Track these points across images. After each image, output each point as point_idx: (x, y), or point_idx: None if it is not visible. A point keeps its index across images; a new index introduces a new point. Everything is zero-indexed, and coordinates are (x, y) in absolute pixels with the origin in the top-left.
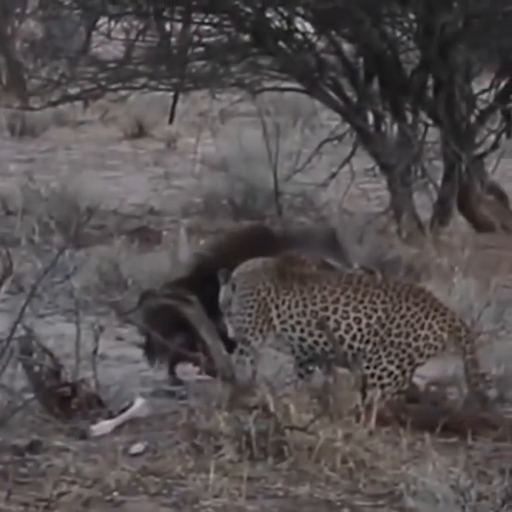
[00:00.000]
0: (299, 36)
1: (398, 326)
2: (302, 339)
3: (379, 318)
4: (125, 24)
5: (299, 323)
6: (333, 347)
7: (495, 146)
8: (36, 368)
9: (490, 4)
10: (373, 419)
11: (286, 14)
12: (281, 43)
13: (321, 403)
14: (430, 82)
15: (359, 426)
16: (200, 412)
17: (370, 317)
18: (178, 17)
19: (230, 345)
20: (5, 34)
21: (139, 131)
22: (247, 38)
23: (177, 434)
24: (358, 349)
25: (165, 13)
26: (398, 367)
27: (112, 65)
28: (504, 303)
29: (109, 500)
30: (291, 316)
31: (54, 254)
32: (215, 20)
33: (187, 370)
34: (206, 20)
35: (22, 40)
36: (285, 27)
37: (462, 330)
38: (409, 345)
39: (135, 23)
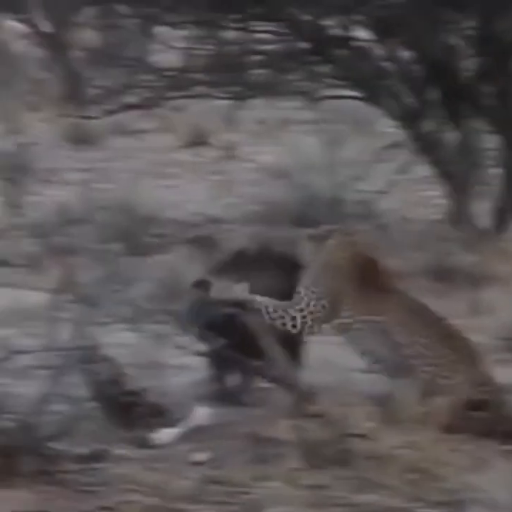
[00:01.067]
0: (358, 44)
1: None
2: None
3: None
4: (183, 32)
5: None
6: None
7: None
8: (98, 377)
9: None
10: (437, 427)
11: (344, 22)
12: (339, 51)
13: (384, 411)
14: (489, 89)
15: (422, 433)
16: (263, 420)
17: None
18: (236, 25)
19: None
20: (63, 43)
21: (198, 140)
22: (305, 45)
23: (240, 443)
24: None
25: (223, 22)
26: None
27: (170, 74)
28: None
29: (172, 509)
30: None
31: (114, 263)
32: (273, 28)
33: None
34: (264, 28)
35: (80, 49)
36: (343, 34)
37: None
38: None
39: (193, 31)
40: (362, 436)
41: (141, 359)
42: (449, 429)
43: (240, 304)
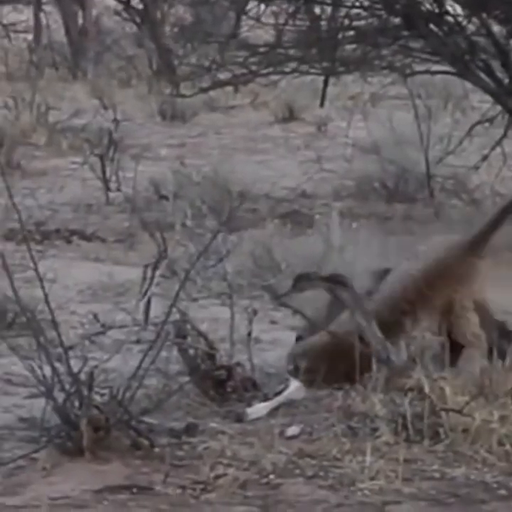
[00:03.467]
0: (450, 19)
1: None
2: None
3: None
4: (275, 8)
5: None
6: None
7: None
8: (191, 352)
9: None
10: None
11: None
12: (432, 26)
13: (477, 385)
14: None
15: None
16: (355, 395)
17: None
18: (328, 0)
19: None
20: (155, 20)
21: (290, 115)
22: (397, 20)
23: (333, 417)
24: None
25: None
26: None
27: (262, 50)
28: None
29: (265, 483)
30: None
31: (207, 239)
32: (366, 3)
33: None
34: (356, 3)
35: (172, 26)
36: (436, 9)
37: None
38: None
39: (285, 6)
40: (455, 410)
41: (234, 334)
42: None
43: (334, 279)
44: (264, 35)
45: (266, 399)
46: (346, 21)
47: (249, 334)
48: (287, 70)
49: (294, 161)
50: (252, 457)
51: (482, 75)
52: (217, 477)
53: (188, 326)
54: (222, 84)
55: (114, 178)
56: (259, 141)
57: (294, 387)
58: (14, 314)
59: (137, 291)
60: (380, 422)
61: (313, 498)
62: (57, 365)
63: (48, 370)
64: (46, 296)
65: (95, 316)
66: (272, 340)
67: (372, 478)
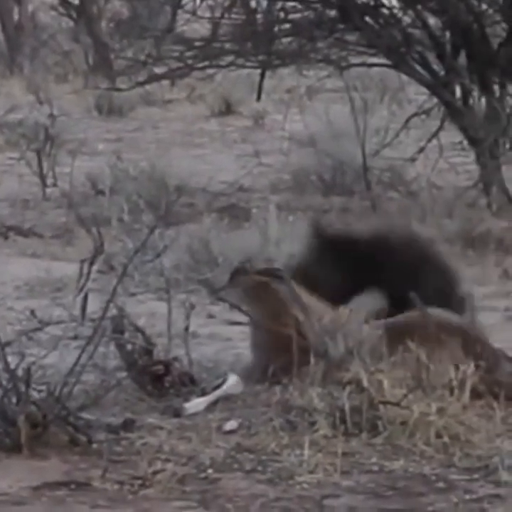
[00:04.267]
0: (386, 11)
1: None
2: None
3: None
4: (210, 1)
5: None
6: None
7: None
8: (129, 347)
9: None
10: (467, 393)
11: None
12: (367, 19)
13: (415, 378)
14: None
15: (453, 400)
16: (293, 389)
17: None
18: None
19: None
20: (91, 15)
21: (227, 109)
22: (333, 13)
23: (271, 411)
24: None
25: None
26: None
27: (198, 44)
28: None
29: (203, 478)
30: None
31: (144, 233)
32: None
33: None
34: None
35: (108, 21)
36: (371, 2)
37: None
38: None
39: (220, 0)
40: (393, 403)
41: (171, 328)
42: (480, 394)
43: (271, 273)
44: (201, 29)
45: (204, 393)
46: (282, 14)
47: (186, 329)
48: (223, 63)
49: (231, 155)
50: (190, 452)
51: (418, 67)
52: (156, 472)
53: (126, 322)
54: (158, 78)
55: (50, 173)
56: (196, 135)
57: (232, 381)
58: None
59: (74, 286)
60: (318, 416)
61: (251, 492)
62: None
63: None
64: None
65: (32, 312)
66: (210, 335)
67: (310, 472)
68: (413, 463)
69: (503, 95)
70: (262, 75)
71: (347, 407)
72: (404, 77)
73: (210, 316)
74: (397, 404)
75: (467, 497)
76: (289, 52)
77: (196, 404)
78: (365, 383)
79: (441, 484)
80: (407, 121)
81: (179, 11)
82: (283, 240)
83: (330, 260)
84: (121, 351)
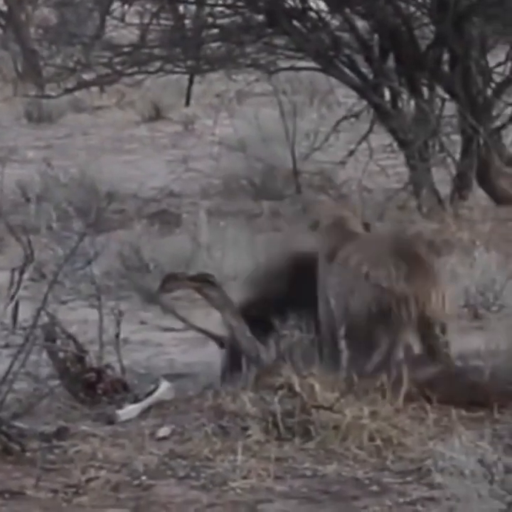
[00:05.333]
0: (313, 15)
1: None
2: None
3: None
4: (139, 8)
5: None
6: None
7: None
8: (61, 355)
9: None
10: (400, 396)
11: None
12: (295, 23)
13: (346, 381)
14: (446, 56)
15: (385, 403)
16: (225, 394)
17: None
18: None
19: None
20: (19, 21)
21: (156, 115)
22: (261, 18)
23: (203, 417)
24: None
25: None
26: None
27: (126, 50)
28: None
29: (137, 485)
30: None
31: (74, 240)
32: (229, 1)
33: (211, 352)
34: (220, 2)
35: (36, 27)
36: (299, 6)
37: None
38: None
39: (148, 6)
40: (326, 407)
41: (103, 335)
42: (412, 397)
43: (202, 279)
44: (129, 35)
45: (136, 400)
46: (210, 20)
47: (117, 336)
48: (152, 69)
49: (161, 160)
50: (123, 459)
51: (347, 71)
52: (89, 480)
53: (57, 329)
54: (87, 84)
55: None
56: (126, 141)
57: (164, 387)
58: None
59: (5, 294)
60: (250, 421)
61: (185, 498)
62: None
63: None
64: None
65: None
66: (142, 341)
67: (244, 477)
68: (346, 467)
69: (432, 97)
70: (191, 80)
71: (279, 412)
72: (334, 80)
73: (142, 323)
74: (330, 408)
75: (401, 500)
76: (218, 57)
77: (129, 411)
78: (297, 388)
79: (374, 488)
80: (337, 124)
81: (107, 17)
82: (214, 245)
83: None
84: (53, 359)
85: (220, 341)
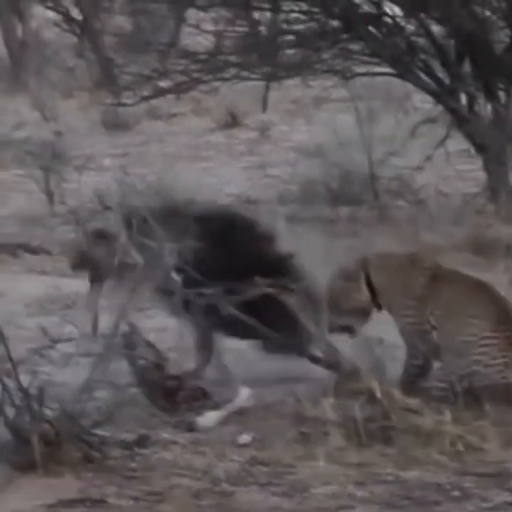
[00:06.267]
0: (389, 20)
1: None
2: None
3: None
4: (213, 14)
5: None
6: None
7: None
8: (140, 363)
9: None
10: (481, 401)
11: None
12: (371, 28)
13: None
14: None
15: (466, 408)
16: (306, 400)
17: None
18: (267, 5)
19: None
20: (94, 29)
21: (232, 121)
22: (336, 23)
23: (284, 423)
24: None
25: (253, 2)
26: None
27: (202, 57)
28: None
29: (219, 492)
30: None
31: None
32: (304, 7)
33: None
34: (295, 8)
35: (111, 35)
36: (374, 11)
37: None
38: None
39: (224, 13)
40: (410, 410)
41: (182, 343)
42: (493, 402)
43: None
44: (204, 42)
45: (216, 407)
46: (286, 26)
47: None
48: (228, 76)
49: (238, 167)
50: (204, 466)
51: (423, 76)
52: (171, 487)
53: (137, 337)
54: (163, 92)
55: (58, 190)
56: (202, 148)
57: (244, 394)
58: None
59: (85, 303)
60: (331, 427)
61: (267, 505)
62: (6, 380)
63: None
64: None
65: (43, 329)
66: (221, 348)
67: (325, 484)
68: (428, 472)
69: (509, 101)
70: (267, 87)
71: (360, 418)
72: (410, 86)
73: None
74: (416, 411)
75: (483, 505)
76: (294, 63)
77: (209, 418)
78: (378, 393)
79: (456, 493)
80: (414, 129)
81: (182, 25)
82: (291, 251)
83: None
84: (133, 367)
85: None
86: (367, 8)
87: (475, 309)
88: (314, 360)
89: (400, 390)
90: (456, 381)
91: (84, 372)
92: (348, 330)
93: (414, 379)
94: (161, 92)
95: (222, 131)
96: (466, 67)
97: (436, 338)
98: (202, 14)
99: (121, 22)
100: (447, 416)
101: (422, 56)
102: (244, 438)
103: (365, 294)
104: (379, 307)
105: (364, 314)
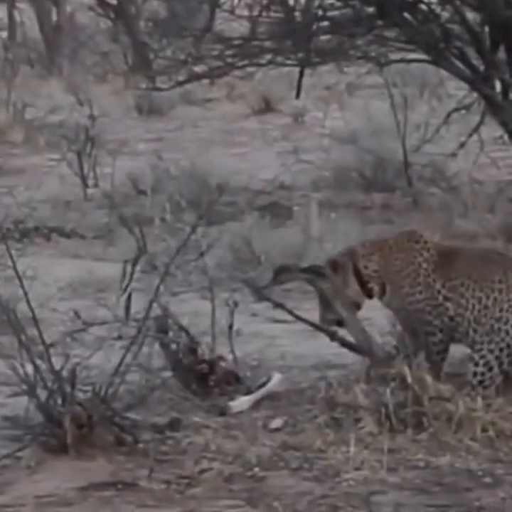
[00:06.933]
0: (424, 7)
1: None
2: None
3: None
4: (248, 0)
5: None
6: None
7: None
8: (173, 346)
9: None
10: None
11: None
12: (406, 15)
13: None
14: None
15: (498, 395)
16: (338, 386)
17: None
18: None
19: None
20: (129, 15)
21: (266, 107)
22: (371, 10)
23: (316, 408)
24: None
25: None
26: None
27: (237, 42)
28: None
29: (250, 476)
30: None
31: (186, 232)
32: None
33: (323, 344)
34: None
35: (146, 20)
36: None
37: None
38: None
39: None
40: (441, 397)
41: (215, 327)
42: None
43: (313, 271)
44: (239, 28)
45: (248, 392)
46: (320, 12)
47: (230, 327)
48: (263, 61)
49: (271, 152)
50: (236, 450)
51: (457, 63)
52: (202, 471)
53: (169, 321)
54: (198, 77)
55: (91, 174)
56: (236, 134)
57: (277, 379)
58: None
59: (117, 287)
60: (363, 413)
61: (298, 489)
62: (39, 363)
63: (30, 369)
64: (26, 294)
65: (76, 312)
66: (254, 333)
67: (356, 469)
68: (459, 458)
69: None
70: (301, 73)
71: (391, 404)
72: (444, 73)
73: (254, 315)
74: (447, 399)
75: None
76: (328, 49)
77: (241, 402)
78: (409, 379)
79: (487, 479)
80: (448, 116)
81: (217, 10)
82: (325, 236)
83: None
84: (165, 351)
85: (330, 333)
86: None
87: (494, 274)
88: (347, 345)
89: (429, 373)
90: (494, 362)
91: (116, 356)
92: (339, 323)
93: (437, 356)
94: (195, 77)
95: (256, 116)
96: (501, 54)
97: (452, 309)
98: (237, 0)
99: (156, 6)
100: (479, 402)
101: (457, 43)
102: (276, 423)
103: (353, 285)
104: (370, 296)
105: (354, 305)
